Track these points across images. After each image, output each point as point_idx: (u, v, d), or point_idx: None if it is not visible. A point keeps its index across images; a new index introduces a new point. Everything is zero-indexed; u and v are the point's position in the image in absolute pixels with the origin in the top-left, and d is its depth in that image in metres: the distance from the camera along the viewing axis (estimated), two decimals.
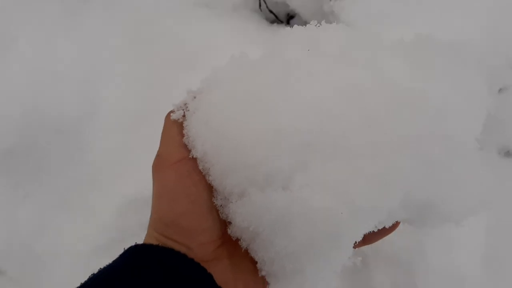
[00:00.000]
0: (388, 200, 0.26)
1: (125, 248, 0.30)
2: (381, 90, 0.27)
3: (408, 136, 0.27)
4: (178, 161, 0.31)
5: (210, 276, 0.29)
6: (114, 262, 0.29)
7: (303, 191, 0.26)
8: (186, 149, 0.31)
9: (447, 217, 0.29)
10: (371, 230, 0.28)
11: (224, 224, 0.31)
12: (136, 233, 0.71)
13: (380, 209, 0.26)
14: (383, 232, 0.32)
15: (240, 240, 0.31)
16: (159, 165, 0.32)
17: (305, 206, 0.26)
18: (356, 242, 0.28)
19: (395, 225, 0.32)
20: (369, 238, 0.33)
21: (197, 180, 0.31)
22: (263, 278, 0.31)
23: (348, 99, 0.27)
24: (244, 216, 0.28)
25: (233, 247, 0.32)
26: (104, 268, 0.29)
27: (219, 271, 0.30)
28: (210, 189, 0.31)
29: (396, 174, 0.26)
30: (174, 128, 0.32)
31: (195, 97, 0.32)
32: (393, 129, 0.27)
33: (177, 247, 0.30)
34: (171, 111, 0.33)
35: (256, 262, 0.31)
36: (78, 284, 0.28)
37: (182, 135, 0.32)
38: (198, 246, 0.30)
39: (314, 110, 0.27)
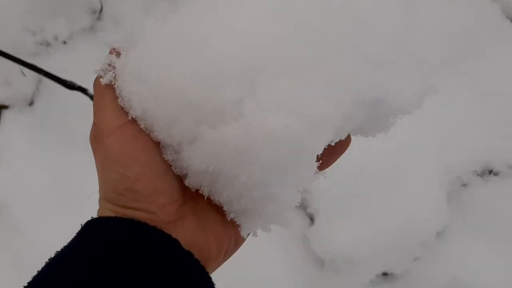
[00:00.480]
0: (340, 105, 0.26)
1: (82, 224, 0.28)
2: (311, 5, 0.27)
3: (346, 40, 0.27)
4: (119, 127, 0.29)
5: (176, 242, 0.28)
6: (71, 243, 0.27)
7: (257, 114, 0.25)
8: (124, 112, 0.29)
9: (399, 109, 0.29)
10: (330, 141, 0.28)
11: (182, 181, 0.30)
12: None
13: (335, 116, 0.26)
14: (339, 147, 0.32)
15: (200, 188, 0.29)
16: (97, 135, 0.30)
17: (262, 129, 0.25)
18: (318, 155, 0.27)
19: (348, 140, 0.32)
20: (327, 158, 0.32)
21: (143, 141, 0.29)
22: (232, 222, 0.30)
23: (280, 17, 0.27)
24: (200, 159, 0.26)
25: (195, 202, 0.31)
26: (61, 251, 0.27)
27: (186, 229, 0.29)
28: (158, 148, 0.30)
29: (343, 77, 0.26)
30: (107, 94, 0.30)
31: (119, 55, 0.30)
32: (331, 35, 0.27)
33: (137, 214, 0.28)
34: (99, 77, 0.30)
35: (222, 210, 0.30)
36: None
37: (116, 99, 0.30)
38: (160, 208, 0.28)
39: (249, 34, 0.27)
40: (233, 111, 0.25)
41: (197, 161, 0.27)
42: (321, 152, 0.27)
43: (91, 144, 0.30)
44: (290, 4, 0.27)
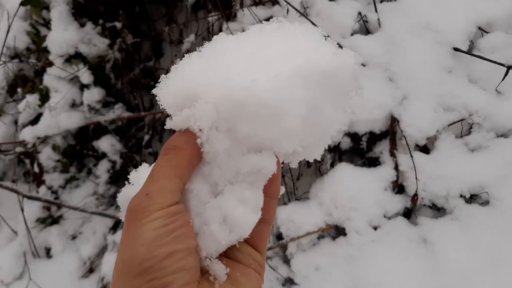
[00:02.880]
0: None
1: None
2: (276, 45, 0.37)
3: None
4: (165, 207, 0.31)
5: None
6: None
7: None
8: (176, 190, 0.32)
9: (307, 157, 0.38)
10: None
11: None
12: None
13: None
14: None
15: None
16: (140, 209, 0.31)
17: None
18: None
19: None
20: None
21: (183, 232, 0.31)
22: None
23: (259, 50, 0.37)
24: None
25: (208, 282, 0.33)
26: None
27: None
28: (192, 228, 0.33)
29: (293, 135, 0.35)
30: (170, 161, 0.33)
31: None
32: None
33: None
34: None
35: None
36: None
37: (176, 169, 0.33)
38: None
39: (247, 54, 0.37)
40: None
41: None
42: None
43: (126, 222, 0.31)
44: (267, 44, 0.38)
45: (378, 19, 1.36)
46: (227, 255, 0.35)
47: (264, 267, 0.37)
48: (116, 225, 1.46)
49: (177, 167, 0.32)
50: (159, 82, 0.37)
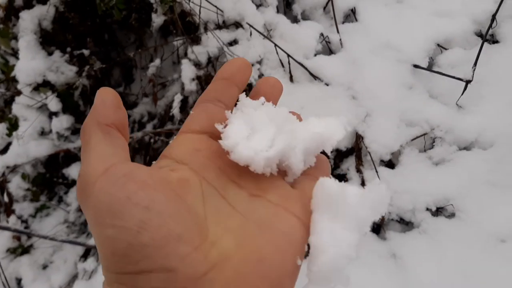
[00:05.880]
0: None
1: None
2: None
3: None
4: (105, 171, 0.24)
5: None
6: None
7: None
8: (115, 154, 0.25)
9: None
10: None
11: (204, 218, 0.25)
12: None
13: None
14: None
15: None
16: (82, 187, 0.24)
17: None
18: None
19: None
20: None
21: (142, 179, 0.24)
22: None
23: None
24: None
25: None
26: None
27: (224, 281, 0.23)
28: (167, 182, 0.25)
29: None
30: (94, 136, 0.26)
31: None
32: None
33: (153, 280, 0.22)
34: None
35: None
36: None
37: (106, 140, 0.26)
38: (181, 261, 0.22)
39: None
40: None
41: None
42: None
43: (79, 202, 0.24)
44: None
45: (340, 40, 1.40)
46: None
47: None
48: (87, 253, 1.44)
49: None
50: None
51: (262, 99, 0.33)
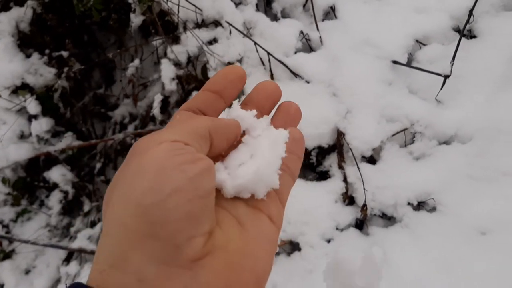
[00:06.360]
0: None
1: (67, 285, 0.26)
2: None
3: None
4: (169, 140, 0.26)
5: None
6: None
7: None
8: (182, 134, 0.28)
9: None
10: None
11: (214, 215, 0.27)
12: None
13: None
14: None
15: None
16: (141, 146, 0.27)
17: None
18: None
19: None
20: None
21: (194, 156, 0.27)
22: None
23: None
24: None
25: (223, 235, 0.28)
26: None
27: (213, 269, 0.25)
28: (211, 169, 0.28)
29: None
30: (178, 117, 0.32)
31: None
32: None
33: (157, 249, 0.23)
34: None
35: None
36: None
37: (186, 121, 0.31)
38: (187, 241, 0.24)
39: None
40: None
41: None
42: None
43: (128, 156, 0.26)
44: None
45: (320, 37, 1.40)
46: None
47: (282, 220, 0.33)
48: (69, 257, 1.42)
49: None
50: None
51: (254, 111, 0.36)
